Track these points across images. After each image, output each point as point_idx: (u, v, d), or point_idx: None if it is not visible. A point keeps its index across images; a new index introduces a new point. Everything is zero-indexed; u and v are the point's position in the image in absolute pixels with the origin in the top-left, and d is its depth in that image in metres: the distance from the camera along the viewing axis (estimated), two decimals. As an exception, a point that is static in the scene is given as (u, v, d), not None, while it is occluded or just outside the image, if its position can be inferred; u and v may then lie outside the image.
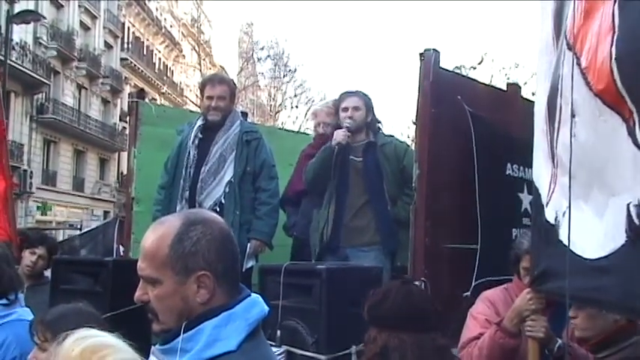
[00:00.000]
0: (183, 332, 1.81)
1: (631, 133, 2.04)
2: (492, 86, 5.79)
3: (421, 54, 4.30)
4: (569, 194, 2.36)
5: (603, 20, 2.19)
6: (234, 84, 5.94)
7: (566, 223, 2.51)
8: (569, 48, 2.42)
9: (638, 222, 2.02)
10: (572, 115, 2.35)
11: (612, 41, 2.11)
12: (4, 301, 3.63)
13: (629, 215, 2.05)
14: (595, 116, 2.18)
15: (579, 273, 2.30)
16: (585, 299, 2.46)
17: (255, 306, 1.91)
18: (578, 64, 2.29)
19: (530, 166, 4.48)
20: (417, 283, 3.97)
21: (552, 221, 2.72)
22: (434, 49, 4.32)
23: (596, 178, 2.23)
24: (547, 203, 2.81)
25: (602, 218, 2.21)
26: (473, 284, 4.15)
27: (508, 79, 21.18)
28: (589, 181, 2.29)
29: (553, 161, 2.72)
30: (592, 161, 2.26)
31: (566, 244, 2.48)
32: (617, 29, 2.11)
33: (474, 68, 23.61)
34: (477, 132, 4.36)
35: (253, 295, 1.95)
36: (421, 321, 2.69)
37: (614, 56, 2.08)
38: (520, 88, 5.55)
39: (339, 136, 5.19)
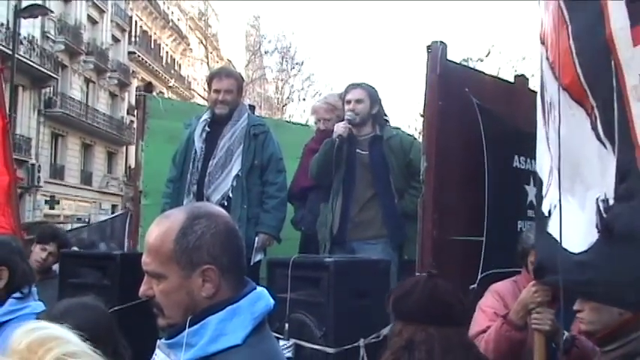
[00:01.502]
0: (189, 327, 1.81)
1: (594, 127, 2.05)
2: (500, 78, 5.76)
3: (428, 46, 4.29)
4: (559, 187, 2.35)
5: (555, 13, 2.19)
6: (242, 77, 5.94)
7: (556, 215, 2.51)
8: (542, 42, 2.43)
9: (606, 217, 2.01)
10: (552, 109, 2.35)
11: (568, 35, 2.10)
12: (17, 295, 3.64)
13: (598, 210, 2.05)
14: (566, 110, 2.18)
15: (568, 267, 2.30)
16: (578, 292, 2.45)
17: (260, 299, 1.90)
18: (547, 59, 2.30)
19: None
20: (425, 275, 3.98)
21: (546, 213, 2.72)
22: (441, 42, 4.30)
23: (577, 172, 2.23)
24: (545, 195, 2.82)
25: (583, 212, 2.21)
26: (479, 276, 4.15)
27: (515, 71, 21.12)
28: (572, 175, 2.29)
29: (550, 153, 2.72)
30: (571, 155, 2.26)
31: (556, 237, 2.49)
32: (569, 23, 2.10)
33: (482, 60, 23.60)
34: (485, 124, 4.35)
35: (259, 288, 1.94)
36: (448, 316, 2.68)
37: (574, 51, 2.07)
38: (527, 80, 5.53)
39: (340, 128, 5.19)
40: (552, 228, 2.58)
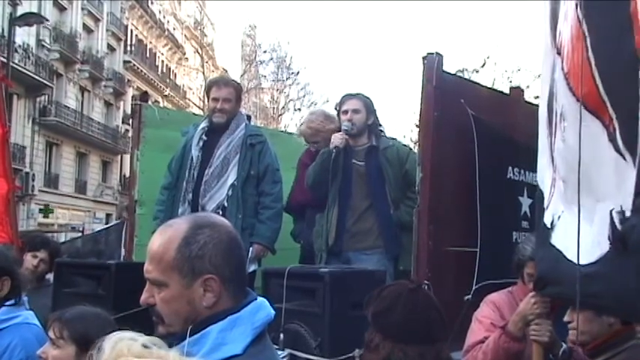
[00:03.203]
0: (189, 336, 1.81)
1: (612, 139, 2.04)
2: (495, 90, 5.79)
3: (424, 58, 4.30)
4: (573, 198, 2.34)
5: (573, 24, 2.19)
6: (240, 86, 5.94)
7: (560, 227, 2.51)
8: (558, 52, 2.42)
9: (621, 229, 2.01)
10: (562, 120, 2.35)
11: (586, 46, 2.10)
12: (11, 302, 3.64)
13: (612, 222, 2.04)
14: (577, 121, 2.18)
15: (573, 278, 2.29)
16: (583, 304, 2.44)
17: (261, 310, 1.91)
18: (562, 69, 2.29)
19: (531, 169, 4.51)
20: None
21: (548, 225, 2.72)
22: (437, 53, 4.32)
23: (584, 184, 2.22)
24: (547, 206, 2.81)
25: (591, 224, 2.20)
26: (474, 287, 4.15)
27: (511, 82, 21.20)
28: (577, 187, 2.28)
29: (553, 165, 2.72)
30: (579, 166, 2.25)
31: (560, 248, 2.48)
32: (587, 34, 2.11)
33: (477, 72, 23.67)
34: (480, 135, 4.36)
35: (259, 298, 1.96)
36: (427, 333, 2.66)
37: (593, 62, 2.07)
38: (523, 91, 5.55)
39: (337, 139, 5.20)
40: (556, 239, 2.58)
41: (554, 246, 2.60)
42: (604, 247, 2.09)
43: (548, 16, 2.81)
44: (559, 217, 2.59)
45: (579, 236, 2.23)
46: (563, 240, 2.49)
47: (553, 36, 2.71)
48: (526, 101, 5.29)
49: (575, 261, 2.29)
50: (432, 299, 2.83)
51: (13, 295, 3.65)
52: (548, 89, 2.78)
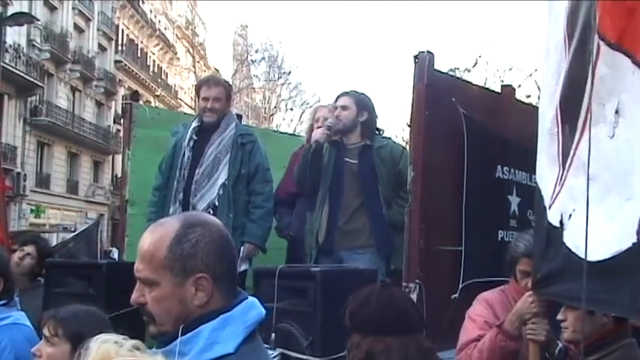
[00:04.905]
0: (181, 335, 1.81)
1: None
2: (487, 89, 5.79)
3: (416, 56, 4.29)
4: (587, 197, 2.30)
5: None
6: (230, 85, 5.93)
7: (572, 225, 2.48)
8: (613, 47, 2.33)
9: None
10: (617, 116, 2.28)
11: None
12: (2, 303, 3.63)
13: None
14: None
15: (591, 276, 2.26)
16: (593, 302, 2.43)
17: (252, 309, 1.91)
18: (635, 63, 2.22)
19: (521, 168, 4.50)
20: (411, 285, 3.98)
21: (556, 224, 2.69)
22: (428, 52, 4.31)
23: (619, 181, 2.18)
24: (550, 205, 2.79)
25: (611, 222, 2.17)
26: (460, 286, 4.16)
27: (502, 81, 21.23)
28: (609, 185, 2.23)
29: (563, 163, 2.68)
30: (622, 164, 2.20)
31: (569, 246, 2.46)
32: None
33: (469, 71, 23.71)
34: (470, 134, 4.36)
35: (250, 297, 1.95)
36: (404, 323, 2.68)
37: None
38: (514, 90, 5.56)
39: (317, 134, 5.23)
40: (568, 238, 2.55)
41: (564, 244, 2.58)
42: (625, 242, 2.06)
43: (563, 14, 2.74)
44: (570, 215, 2.56)
45: (587, 231, 2.21)
46: (574, 238, 2.47)
47: (569, 33, 2.66)
48: (517, 100, 5.30)
49: (588, 258, 2.25)
50: (404, 293, 2.84)
51: (5, 295, 3.64)
52: (560, 87, 2.73)
